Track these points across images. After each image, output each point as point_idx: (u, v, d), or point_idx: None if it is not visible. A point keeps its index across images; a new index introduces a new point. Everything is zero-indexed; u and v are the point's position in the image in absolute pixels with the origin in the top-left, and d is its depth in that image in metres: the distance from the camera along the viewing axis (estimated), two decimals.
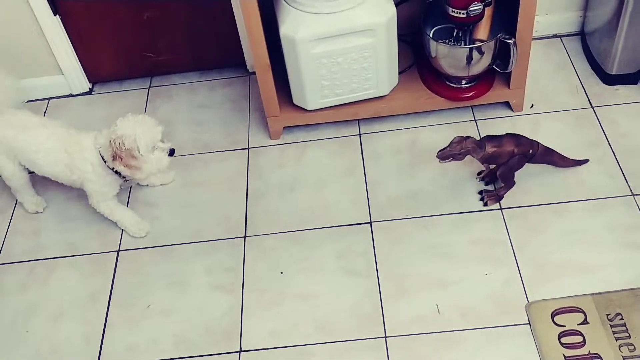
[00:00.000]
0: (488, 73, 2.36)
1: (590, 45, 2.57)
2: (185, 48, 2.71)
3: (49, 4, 2.51)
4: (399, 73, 2.42)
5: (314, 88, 2.28)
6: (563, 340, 1.84)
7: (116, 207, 2.22)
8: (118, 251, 2.23)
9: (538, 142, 2.10)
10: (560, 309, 1.90)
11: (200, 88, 2.74)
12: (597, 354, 1.80)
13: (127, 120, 2.01)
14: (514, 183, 2.15)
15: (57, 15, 2.57)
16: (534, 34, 2.58)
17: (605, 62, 2.46)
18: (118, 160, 1.99)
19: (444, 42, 2.25)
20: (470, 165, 2.26)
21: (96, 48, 2.69)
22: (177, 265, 2.16)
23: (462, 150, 2.00)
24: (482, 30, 2.22)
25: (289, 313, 2.00)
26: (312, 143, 2.45)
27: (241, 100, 2.66)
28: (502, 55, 2.25)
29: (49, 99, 2.79)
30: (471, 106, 2.46)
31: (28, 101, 2.77)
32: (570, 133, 2.34)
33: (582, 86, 2.50)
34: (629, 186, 2.17)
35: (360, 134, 2.45)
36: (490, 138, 2.06)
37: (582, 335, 1.84)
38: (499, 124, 2.41)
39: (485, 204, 2.17)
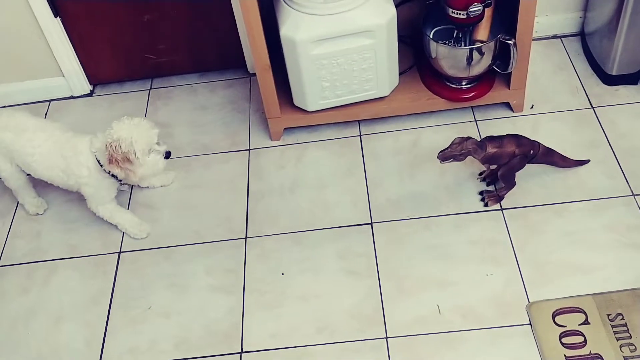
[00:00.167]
0: (488, 74, 2.36)
1: (590, 46, 2.57)
2: (186, 50, 2.71)
3: (50, 6, 2.51)
4: (400, 74, 2.42)
5: (314, 89, 2.29)
6: (564, 340, 1.84)
7: (115, 210, 2.22)
8: (119, 253, 2.23)
9: (539, 143, 2.10)
10: (561, 309, 1.90)
11: (200, 89, 2.74)
12: (598, 354, 1.80)
13: (122, 123, 2.00)
14: (515, 183, 2.15)
15: (58, 18, 2.57)
16: (534, 35, 2.59)
17: (605, 63, 2.46)
18: (114, 164, 1.99)
19: (444, 43, 2.25)
20: (471, 166, 2.26)
21: (97, 50, 2.70)
22: (178, 267, 2.16)
23: (463, 151, 2.00)
24: (482, 31, 2.22)
25: (290, 314, 2.00)
26: (312, 144, 2.46)
27: (242, 102, 2.66)
28: (502, 56, 2.26)
29: (49, 100, 2.80)
30: (471, 107, 2.46)
31: (29, 103, 2.79)
32: (570, 133, 2.34)
33: (583, 87, 2.50)
34: (629, 186, 2.17)
35: (360, 135, 2.46)
36: (491, 139, 2.06)
37: (583, 335, 1.84)
38: (499, 124, 2.41)
39: (486, 205, 2.17)
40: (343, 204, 2.25)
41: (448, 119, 2.44)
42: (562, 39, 2.70)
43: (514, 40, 2.18)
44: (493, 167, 2.15)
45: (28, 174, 2.24)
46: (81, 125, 2.61)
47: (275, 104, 2.36)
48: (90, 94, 2.81)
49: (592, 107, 2.43)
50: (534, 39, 2.34)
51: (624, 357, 1.79)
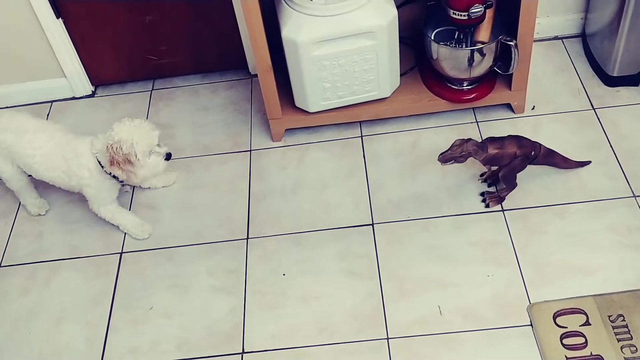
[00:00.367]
0: (489, 75, 2.36)
1: (591, 47, 2.57)
2: (188, 51, 2.71)
3: (52, 7, 2.52)
4: (401, 75, 2.42)
5: (315, 90, 2.29)
6: (565, 341, 1.84)
7: (117, 210, 2.22)
8: (121, 253, 2.23)
9: (540, 144, 2.11)
10: (562, 310, 1.90)
11: (202, 91, 2.75)
12: (599, 355, 1.80)
13: (123, 124, 2.00)
14: (516, 185, 2.15)
15: (60, 19, 2.57)
16: (535, 36, 2.59)
17: (606, 64, 2.46)
18: (115, 166, 2.00)
19: (445, 44, 2.25)
20: (472, 167, 2.26)
21: (99, 51, 2.70)
22: (179, 268, 2.16)
23: (463, 153, 2.01)
24: (484, 32, 2.22)
25: (291, 315, 2.00)
26: (313, 145, 2.46)
27: (243, 103, 2.66)
28: (504, 57, 2.26)
29: (51, 101, 2.80)
30: (473, 108, 2.46)
31: (31, 104, 2.79)
32: (571, 135, 2.35)
33: (584, 88, 2.51)
34: (630, 188, 2.17)
35: (362, 136, 2.46)
36: (492, 140, 2.06)
37: (584, 336, 1.84)
38: (500, 125, 2.41)
39: (487, 206, 2.17)
40: (344, 205, 2.25)
41: (449, 120, 2.45)
42: (563, 40, 2.70)
43: (515, 41, 2.18)
44: (494, 168, 2.15)
45: (29, 175, 2.24)
46: (83, 126, 2.62)
47: (277, 105, 2.37)
48: (92, 95, 2.82)
49: (593, 109, 2.43)
50: (535, 40, 2.34)
51: (625, 358, 1.79)
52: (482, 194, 2.21)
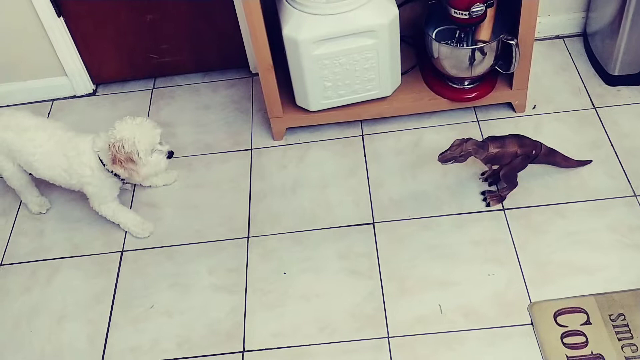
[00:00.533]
0: (490, 74, 2.36)
1: (592, 46, 2.57)
2: (188, 49, 2.71)
3: (53, 6, 2.52)
4: (402, 74, 2.42)
5: (316, 89, 2.29)
6: (566, 340, 1.84)
7: (118, 209, 2.22)
8: (121, 252, 2.23)
9: (541, 143, 2.11)
10: (562, 309, 1.90)
11: (203, 89, 2.75)
12: (599, 354, 1.80)
13: (125, 123, 2.00)
14: (517, 184, 2.15)
15: (61, 17, 2.58)
16: (536, 35, 2.59)
17: (607, 63, 2.46)
18: (118, 164, 2.00)
19: (446, 43, 2.25)
20: (473, 166, 2.26)
21: (100, 49, 2.70)
22: (180, 266, 2.16)
23: (463, 153, 2.00)
24: (484, 31, 2.22)
25: (291, 313, 2.00)
26: (314, 144, 2.46)
27: (244, 102, 2.66)
28: (505, 56, 2.26)
29: (52, 100, 2.80)
30: (474, 107, 2.46)
31: (32, 102, 2.79)
32: (572, 134, 2.34)
33: (585, 87, 2.51)
34: (631, 187, 2.17)
35: (362, 135, 2.46)
36: (493, 139, 2.06)
37: (584, 335, 1.84)
38: (501, 124, 2.41)
39: (488, 205, 2.17)
40: (345, 203, 2.25)
41: (450, 119, 2.45)
42: (565, 39, 2.70)
43: (516, 40, 2.18)
44: (495, 167, 2.15)
45: (30, 174, 2.24)
46: (84, 124, 2.62)
47: (278, 103, 2.37)
48: (93, 94, 2.82)
49: (594, 108, 2.43)
50: (536, 40, 2.34)
51: (625, 357, 1.79)
52: (483, 193, 2.21)
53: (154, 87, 2.79)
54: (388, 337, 1.92)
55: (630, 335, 1.83)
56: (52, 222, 2.35)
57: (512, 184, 2.15)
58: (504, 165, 2.09)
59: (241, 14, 2.53)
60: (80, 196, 2.33)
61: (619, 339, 1.82)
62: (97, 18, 2.59)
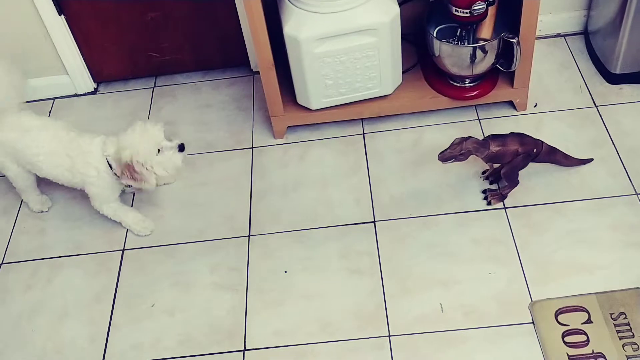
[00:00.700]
0: (491, 72, 2.36)
1: (593, 45, 2.57)
2: (190, 48, 2.71)
3: (54, 4, 2.52)
4: (403, 72, 2.42)
5: (317, 87, 2.29)
6: (567, 339, 1.84)
7: (119, 208, 2.22)
8: (123, 250, 2.23)
9: (542, 141, 2.10)
10: (563, 308, 1.90)
11: (204, 88, 2.75)
12: (600, 353, 1.80)
13: (128, 135, 2.00)
14: (518, 182, 2.15)
15: (62, 16, 2.58)
16: (538, 33, 2.59)
17: (609, 62, 2.46)
18: (131, 179, 2.01)
19: (447, 41, 2.25)
20: (474, 165, 2.26)
21: (101, 48, 2.70)
22: (181, 265, 2.16)
23: (463, 151, 2.00)
24: (486, 30, 2.22)
25: (292, 312, 2.00)
26: (315, 142, 2.46)
27: (245, 100, 2.66)
28: (506, 54, 2.25)
29: (54, 98, 2.81)
30: (475, 105, 2.46)
31: (33, 101, 2.79)
32: (574, 132, 2.34)
33: (586, 85, 2.50)
34: (632, 185, 2.17)
35: (363, 133, 2.46)
36: (494, 137, 2.06)
37: (585, 334, 1.84)
38: (502, 123, 2.41)
39: (489, 203, 2.17)
40: (346, 202, 2.25)
41: (451, 118, 2.44)
42: (566, 37, 2.70)
43: (517, 38, 2.18)
44: (496, 165, 2.15)
45: (34, 173, 2.24)
46: (85, 123, 2.62)
47: (279, 102, 2.37)
48: (94, 92, 2.82)
49: (596, 106, 2.43)
50: (537, 38, 2.34)
51: (626, 356, 1.79)
52: (484, 192, 2.21)
53: (155, 86, 2.79)
54: (389, 336, 1.92)
55: (632, 333, 1.83)
56: (53, 220, 2.35)
57: (513, 182, 2.14)
58: (505, 164, 2.09)
59: (242, 13, 2.53)
60: (81, 194, 2.33)
61: (620, 338, 1.82)
62: (98, 17, 2.59)
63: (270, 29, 2.18)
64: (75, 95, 2.81)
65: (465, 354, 1.85)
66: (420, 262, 2.06)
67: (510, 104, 2.44)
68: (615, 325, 1.85)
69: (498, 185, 2.22)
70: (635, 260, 1.98)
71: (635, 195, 2.14)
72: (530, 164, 2.13)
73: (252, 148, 2.48)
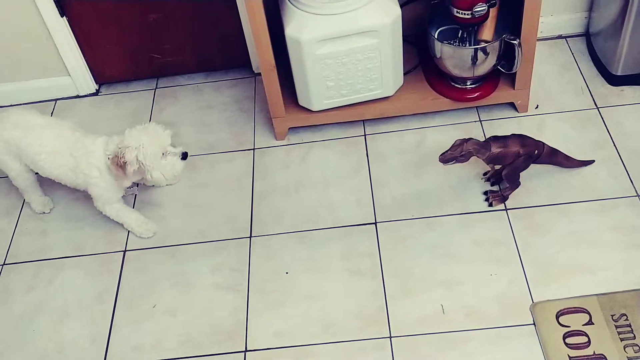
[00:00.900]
0: (493, 74, 2.36)
1: (595, 46, 2.57)
2: (191, 49, 2.72)
3: (56, 6, 2.52)
4: (404, 74, 2.42)
5: (319, 89, 2.29)
6: (568, 340, 1.84)
7: (122, 209, 2.23)
8: (124, 251, 2.24)
9: (543, 143, 2.10)
10: (565, 309, 1.90)
11: (206, 89, 2.75)
12: (602, 354, 1.80)
13: (134, 130, 2.01)
14: (519, 184, 2.15)
15: (64, 17, 2.58)
16: (539, 35, 2.58)
17: (610, 63, 2.46)
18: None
19: (448, 43, 2.25)
20: (475, 166, 2.26)
21: (103, 49, 2.71)
22: (182, 265, 2.17)
23: (464, 153, 2.00)
24: (487, 31, 2.22)
25: (294, 313, 2.00)
26: (317, 144, 2.46)
27: (247, 101, 2.67)
28: (507, 56, 2.25)
29: (56, 100, 2.81)
30: (476, 107, 2.46)
31: (35, 102, 2.80)
32: (575, 134, 2.34)
33: (587, 87, 2.50)
34: (634, 187, 2.17)
35: (365, 135, 2.46)
36: (495, 139, 2.06)
37: (587, 335, 1.84)
38: (504, 124, 2.41)
39: (490, 205, 2.17)
40: (347, 203, 2.25)
41: (453, 119, 2.45)
42: (567, 39, 2.70)
43: (518, 40, 2.18)
44: (498, 167, 2.15)
45: (36, 173, 2.25)
46: (87, 124, 2.62)
47: (280, 103, 2.37)
48: (96, 93, 2.82)
49: (597, 108, 2.43)
50: (538, 39, 2.34)
51: (627, 357, 1.79)
52: (485, 193, 2.21)
53: (156, 87, 2.80)
54: (390, 337, 1.92)
55: (633, 335, 1.83)
56: (55, 221, 2.36)
57: (515, 184, 2.14)
58: (506, 165, 2.09)
59: (244, 14, 2.54)
60: (83, 196, 2.33)
61: (622, 339, 1.82)
62: (100, 18, 2.59)
63: (272, 31, 2.18)
64: (77, 96, 2.82)
65: (466, 355, 1.85)
66: (422, 263, 2.06)
67: (512, 105, 2.45)
68: (617, 327, 1.85)
69: (499, 187, 2.22)
70: (637, 261, 1.98)
71: (637, 197, 2.14)
72: (532, 166, 2.13)
73: (253, 149, 2.48)
